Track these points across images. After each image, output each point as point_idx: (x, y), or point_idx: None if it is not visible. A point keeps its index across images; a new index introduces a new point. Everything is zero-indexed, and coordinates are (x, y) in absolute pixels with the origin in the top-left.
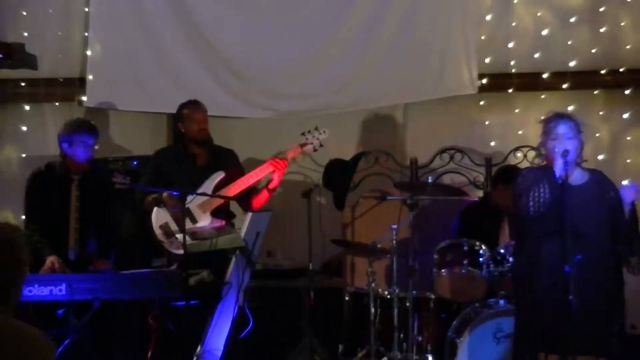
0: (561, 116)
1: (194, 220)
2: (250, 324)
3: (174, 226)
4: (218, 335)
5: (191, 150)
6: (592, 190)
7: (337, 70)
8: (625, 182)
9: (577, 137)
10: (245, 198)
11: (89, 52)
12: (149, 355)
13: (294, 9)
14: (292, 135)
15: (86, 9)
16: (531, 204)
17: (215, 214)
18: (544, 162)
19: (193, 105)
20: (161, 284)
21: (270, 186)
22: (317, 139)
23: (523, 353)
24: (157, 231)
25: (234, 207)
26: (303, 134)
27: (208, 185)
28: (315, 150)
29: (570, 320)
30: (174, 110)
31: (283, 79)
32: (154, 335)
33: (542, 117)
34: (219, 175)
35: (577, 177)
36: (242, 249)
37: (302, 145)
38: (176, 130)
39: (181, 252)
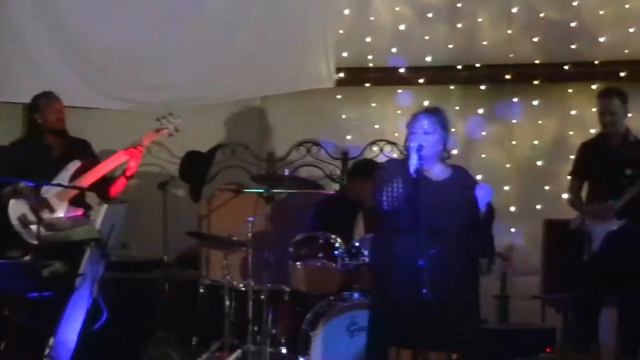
0: (425, 111)
1: (52, 210)
2: (104, 316)
3: (31, 217)
4: (71, 327)
5: (47, 140)
6: (453, 187)
7: (196, 62)
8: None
9: (438, 132)
10: (102, 187)
11: None
12: (3, 347)
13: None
14: (149, 127)
15: None
16: (385, 198)
17: (73, 203)
18: (404, 156)
19: (51, 95)
20: (15, 276)
21: (128, 173)
22: (172, 123)
23: (376, 347)
24: (15, 222)
25: (90, 198)
26: (158, 119)
27: (64, 175)
28: (170, 135)
29: (424, 315)
30: (27, 100)
31: (141, 70)
32: (9, 327)
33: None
34: (75, 165)
35: (438, 172)
36: (97, 240)
37: (157, 130)
38: (31, 121)
39: (37, 242)
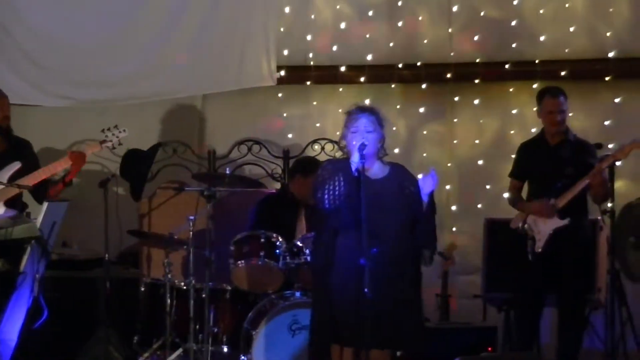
0: (362, 109)
1: None
2: (45, 314)
3: None
4: (12, 325)
5: None
6: (392, 185)
7: (138, 59)
8: (421, 176)
9: (377, 130)
10: (40, 190)
11: None
12: None
13: None
14: (91, 125)
15: None
16: (327, 197)
17: (8, 204)
18: (344, 155)
19: None
20: None
21: (67, 179)
22: (117, 137)
23: (318, 345)
24: None
25: (26, 197)
26: (103, 130)
27: (3, 175)
28: (114, 148)
29: (365, 314)
30: None
31: (83, 67)
32: None
33: (346, 110)
34: (16, 166)
35: (377, 170)
36: (38, 238)
37: (102, 142)
38: None
39: None
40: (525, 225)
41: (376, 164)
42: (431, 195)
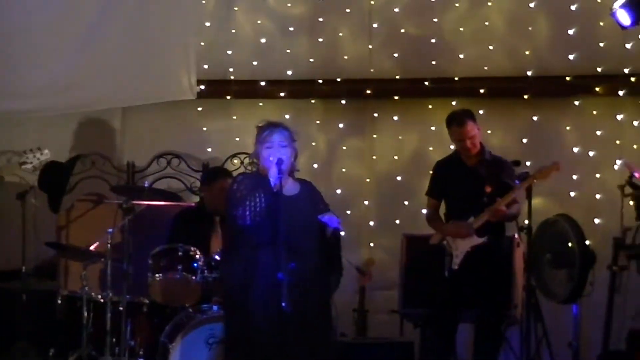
0: (276, 125)
1: None
2: None
3: None
4: None
5: None
6: (304, 201)
7: (58, 71)
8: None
9: (291, 145)
10: None
11: None
12: None
13: (12, 5)
14: (9, 136)
15: None
16: (248, 213)
17: None
18: (257, 170)
19: None
20: None
21: None
22: (38, 159)
23: None
24: None
25: None
26: (25, 152)
27: None
28: (34, 169)
29: (282, 329)
30: None
31: (2, 78)
32: None
33: (256, 125)
34: None
35: (289, 187)
36: None
37: (21, 164)
38: None
39: None
40: (444, 242)
41: (289, 181)
42: (335, 231)
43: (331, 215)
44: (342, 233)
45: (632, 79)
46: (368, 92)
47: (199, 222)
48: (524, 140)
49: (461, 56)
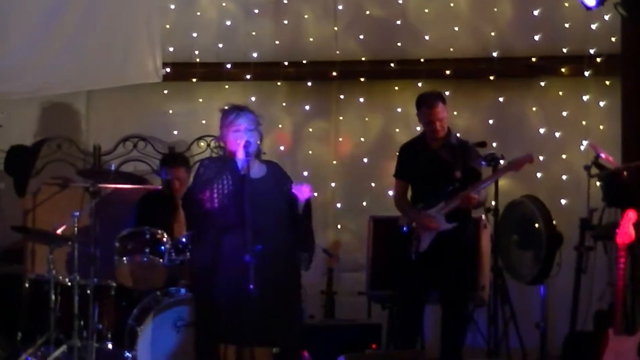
0: (241, 108)
1: None
2: None
3: None
4: None
5: None
6: (270, 183)
7: (18, 55)
8: (297, 184)
9: (257, 129)
10: None
11: None
12: None
13: None
14: None
15: None
16: (216, 196)
17: None
18: (223, 154)
19: None
20: None
21: None
22: None
23: (204, 342)
24: None
25: None
26: None
27: None
28: None
29: (249, 311)
30: None
31: None
32: None
33: (221, 109)
34: None
35: (255, 169)
36: None
37: None
38: None
39: None
40: (413, 224)
41: (255, 163)
42: (307, 202)
43: (300, 184)
44: (315, 194)
45: (597, 60)
46: (333, 74)
47: (161, 206)
48: (490, 122)
49: (426, 38)
